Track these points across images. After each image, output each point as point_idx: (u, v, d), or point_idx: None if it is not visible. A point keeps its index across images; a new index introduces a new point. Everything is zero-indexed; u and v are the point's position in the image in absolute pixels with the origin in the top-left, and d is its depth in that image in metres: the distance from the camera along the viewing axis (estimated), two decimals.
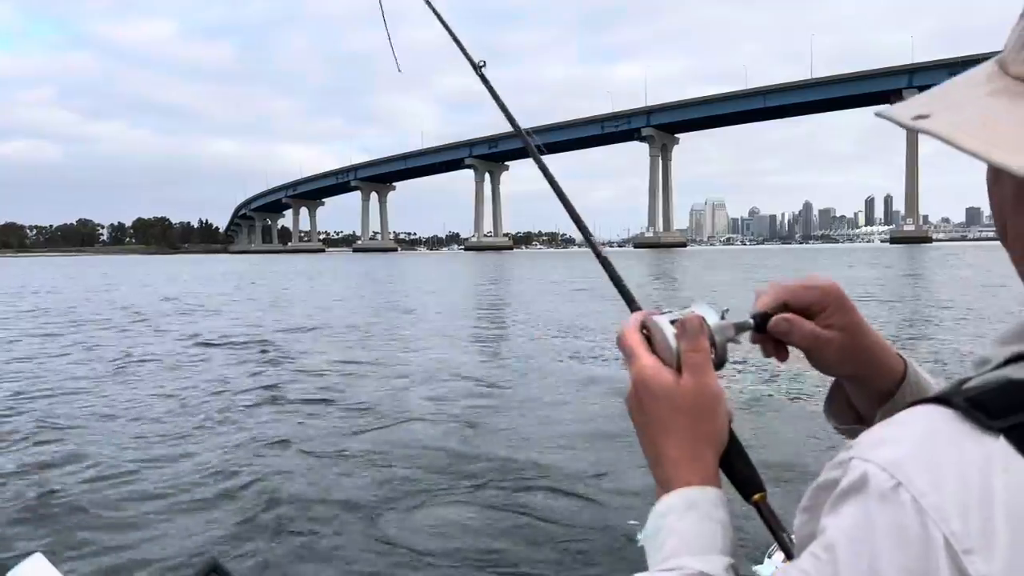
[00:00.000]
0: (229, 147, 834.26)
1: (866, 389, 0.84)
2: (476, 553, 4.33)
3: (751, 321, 0.84)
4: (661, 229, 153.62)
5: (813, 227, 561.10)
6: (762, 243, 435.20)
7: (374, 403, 8.34)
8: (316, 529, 4.69)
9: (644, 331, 0.81)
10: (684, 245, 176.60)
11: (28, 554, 1.17)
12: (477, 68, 1.37)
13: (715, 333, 0.80)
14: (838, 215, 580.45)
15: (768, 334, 0.84)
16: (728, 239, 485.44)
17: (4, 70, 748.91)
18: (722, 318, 0.82)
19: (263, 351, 12.63)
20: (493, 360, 11.59)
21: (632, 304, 0.95)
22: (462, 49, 1.41)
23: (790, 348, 0.86)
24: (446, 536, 4.55)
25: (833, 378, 0.89)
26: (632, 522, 4.82)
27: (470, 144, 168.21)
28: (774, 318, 0.83)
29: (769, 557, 1.76)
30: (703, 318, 0.80)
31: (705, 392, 0.77)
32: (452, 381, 9.62)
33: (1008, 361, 0.58)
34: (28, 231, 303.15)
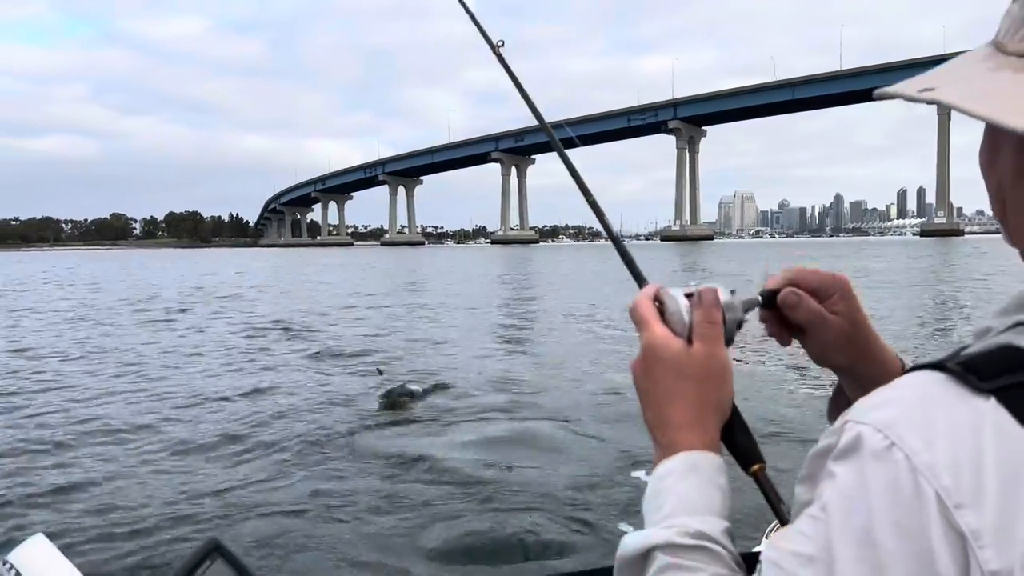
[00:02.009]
0: (259, 142, 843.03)
1: (863, 387, 0.82)
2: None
3: (758, 298, 0.87)
4: (688, 222, 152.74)
5: (844, 220, 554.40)
6: (792, 236, 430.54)
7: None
8: (325, 509, 4.90)
9: (657, 303, 0.83)
10: (711, 238, 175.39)
11: (30, 535, 1.18)
12: (495, 48, 1.32)
13: (725, 309, 0.82)
14: (869, 208, 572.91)
15: (775, 311, 0.88)
16: (757, 232, 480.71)
17: (41, 68, 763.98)
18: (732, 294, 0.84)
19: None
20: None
21: (641, 280, 0.96)
22: (480, 29, 1.36)
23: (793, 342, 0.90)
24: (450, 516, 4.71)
25: (836, 379, 0.92)
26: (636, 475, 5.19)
27: (496, 138, 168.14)
28: (784, 290, 0.87)
29: (767, 537, 1.76)
30: (718, 291, 0.82)
31: (714, 362, 0.78)
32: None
33: (1009, 329, 0.60)
34: (64, 225, 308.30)
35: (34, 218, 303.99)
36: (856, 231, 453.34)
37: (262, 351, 12.26)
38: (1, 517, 4.74)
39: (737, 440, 0.82)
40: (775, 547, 0.58)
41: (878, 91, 0.63)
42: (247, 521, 4.73)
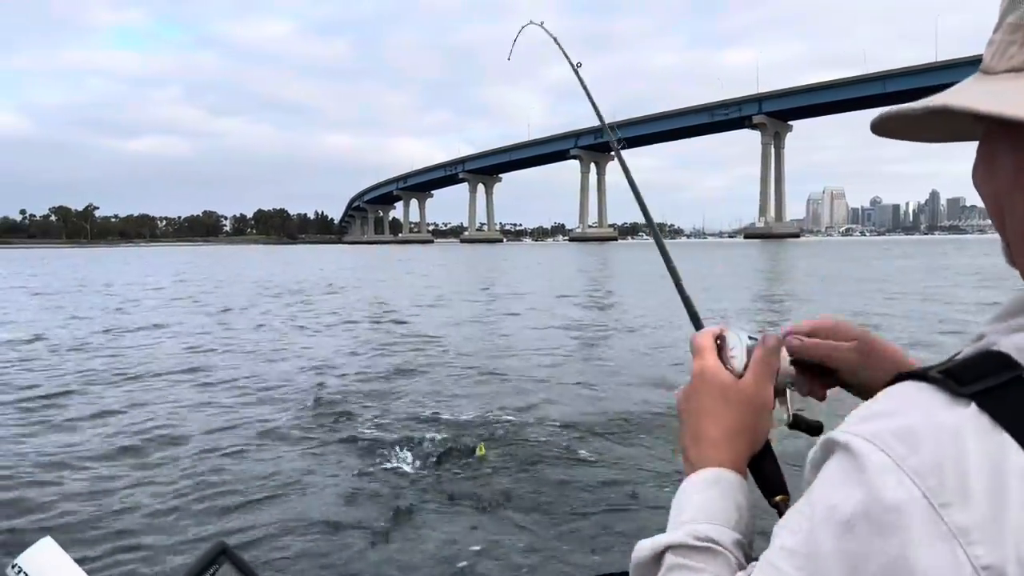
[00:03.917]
0: (343, 141, 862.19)
1: None
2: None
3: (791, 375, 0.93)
4: (773, 219, 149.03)
5: (940, 217, 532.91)
6: (884, 234, 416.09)
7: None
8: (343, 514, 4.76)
9: (718, 340, 0.89)
10: (797, 236, 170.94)
11: (38, 538, 1.19)
12: (575, 68, 1.49)
13: (782, 361, 0.89)
14: (968, 205, 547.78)
15: (801, 372, 0.94)
16: (847, 230, 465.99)
17: (137, 71, 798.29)
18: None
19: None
20: None
21: (697, 321, 1.02)
22: (563, 51, 1.58)
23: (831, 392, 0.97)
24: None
25: None
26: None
27: (576, 135, 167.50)
28: (786, 338, 0.94)
29: None
30: (782, 342, 0.89)
31: (759, 396, 0.85)
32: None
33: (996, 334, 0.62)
34: (159, 222, 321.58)
35: (132, 215, 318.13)
36: (953, 229, 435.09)
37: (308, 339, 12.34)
38: (9, 520, 4.73)
39: (764, 471, 0.86)
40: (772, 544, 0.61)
41: (876, 120, 0.66)
42: (257, 523, 4.63)
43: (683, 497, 0.80)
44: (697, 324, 1.01)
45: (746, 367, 0.86)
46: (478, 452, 5.96)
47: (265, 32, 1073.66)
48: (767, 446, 0.86)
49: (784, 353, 0.90)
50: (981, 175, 0.65)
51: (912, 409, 0.57)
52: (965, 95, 0.60)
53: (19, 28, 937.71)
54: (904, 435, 0.55)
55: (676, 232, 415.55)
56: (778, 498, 0.84)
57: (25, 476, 5.57)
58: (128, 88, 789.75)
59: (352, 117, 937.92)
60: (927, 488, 0.52)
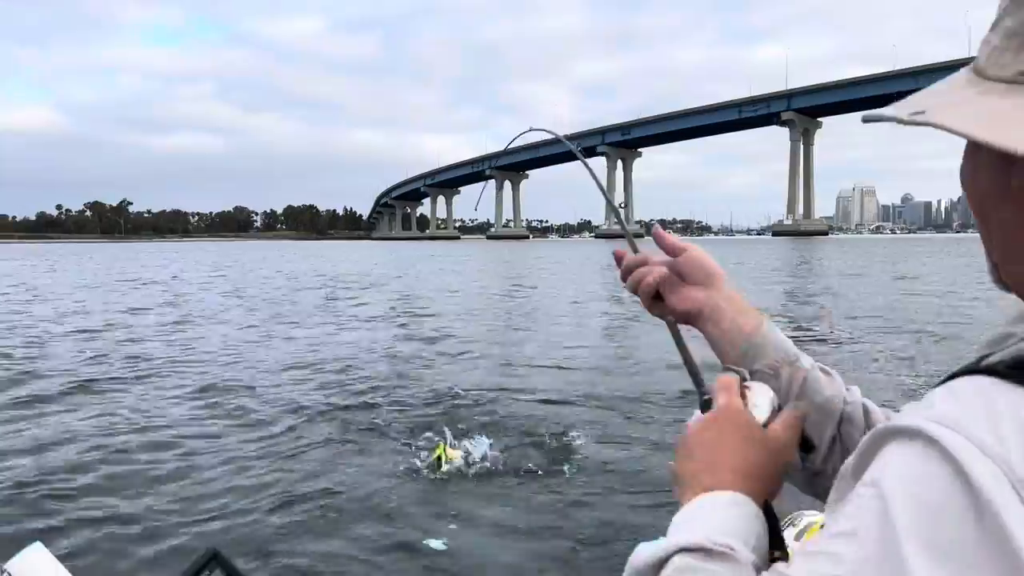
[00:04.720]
0: (372, 138, 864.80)
1: (719, 330, 0.94)
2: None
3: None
4: (801, 216, 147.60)
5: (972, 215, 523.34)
6: (915, 232, 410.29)
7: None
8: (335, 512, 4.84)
9: (743, 388, 0.85)
10: (826, 233, 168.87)
11: (28, 543, 1.18)
12: (616, 209, 1.41)
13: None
14: None
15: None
16: (877, 227, 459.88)
17: (170, 68, 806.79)
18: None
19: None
20: None
21: (701, 387, 0.90)
22: (607, 197, 1.33)
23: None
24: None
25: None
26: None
27: (602, 132, 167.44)
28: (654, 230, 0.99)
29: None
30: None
31: (783, 449, 0.80)
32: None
33: None
34: (191, 217, 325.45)
35: (164, 211, 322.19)
36: None
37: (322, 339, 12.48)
38: (0, 524, 4.75)
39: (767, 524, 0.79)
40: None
41: (866, 114, 0.64)
42: (250, 529, 4.71)
43: (695, 513, 0.73)
44: (700, 388, 0.90)
45: (767, 423, 0.82)
46: (438, 453, 5.92)
47: (296, 29, 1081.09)
48: (768, 504, 0.79)
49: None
50: (969, 177, 0.64)
51: (987, 397, 0.53)
52: (955, 112, 0.58)
53: (54, 27, 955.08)
54: (985, 421, 0.51)
55: (704, 229, 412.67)
56: (777, 553, 0.77)
57: (17, 478, 5.56)
58: (160, 85, 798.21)
59: (381, 114, 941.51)
60: (1018, 480, 0.48)
